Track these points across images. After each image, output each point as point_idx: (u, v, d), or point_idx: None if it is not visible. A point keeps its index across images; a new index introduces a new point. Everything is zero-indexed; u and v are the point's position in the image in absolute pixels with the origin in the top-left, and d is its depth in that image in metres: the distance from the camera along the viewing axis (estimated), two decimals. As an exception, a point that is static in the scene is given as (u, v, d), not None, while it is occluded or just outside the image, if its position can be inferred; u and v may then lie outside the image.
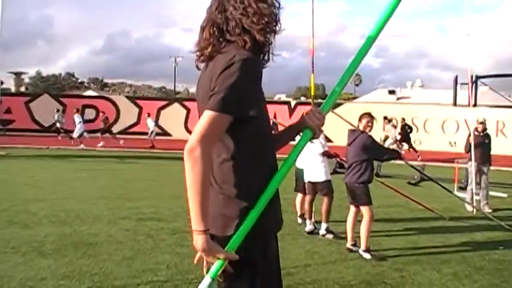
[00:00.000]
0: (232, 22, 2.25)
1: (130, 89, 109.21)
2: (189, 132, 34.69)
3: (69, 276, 5.47)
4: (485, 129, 11.19)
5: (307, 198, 8.17)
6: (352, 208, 7.06)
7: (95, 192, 11.24)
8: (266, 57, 2.35)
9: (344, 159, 7.71)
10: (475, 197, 10.68)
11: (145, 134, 31.00)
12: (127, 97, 39.89)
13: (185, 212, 8.85)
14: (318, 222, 8.03)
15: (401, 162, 7.55)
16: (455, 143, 30.87)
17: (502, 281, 5.82)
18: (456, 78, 34.94)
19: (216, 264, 2.13)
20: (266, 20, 2.23)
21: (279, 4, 2.31)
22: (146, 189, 12.29)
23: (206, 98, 2.15)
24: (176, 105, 36.27)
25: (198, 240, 2.08)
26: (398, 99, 57.23)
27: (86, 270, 5.68)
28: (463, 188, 12.32)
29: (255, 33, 2.23)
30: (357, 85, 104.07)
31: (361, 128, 7.03)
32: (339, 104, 33.95)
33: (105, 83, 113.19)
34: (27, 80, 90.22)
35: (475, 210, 10.23)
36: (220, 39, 2.28)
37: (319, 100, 36.40)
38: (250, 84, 2.16)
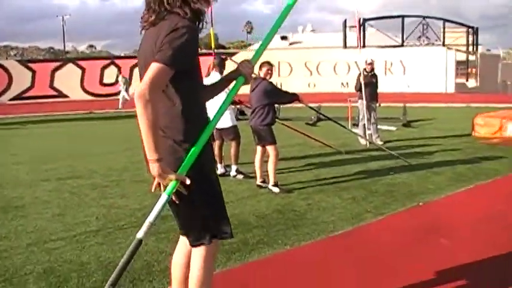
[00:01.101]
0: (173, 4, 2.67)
1: (17, 51, 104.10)
2: (86, 92, 34.53)
3: (7, 236, 5.64)
4: (372, 69, 12.14)
5: (216, 143, 8.70)
6: (259, 148, 7.71)
7: (9, 158, 11.28)
8: (201, 25, 2.78)
9: (248, 105, 8.32)
10: (367, 132, 11.71)
11: (39, 97, 30.48)
12: (18, 61, 38.33)
13: (100, 169, 9.22)
14: (228, 166, 8.63)
15: (300, 104, 8.21)
16: (347, 83, 32.35)
17: (393, 200, 6.71)
18: (345, 21, 36.37)
19: (171, 185, 2.58)
20: None
21: None
22: (57, 151, 12.40)
23: (151, 57, 2.56)
24: (70, 65, 35.35)
25: (154, 168, 2.53)
26: (290, 44, 58.34)
27: (20, 229, 5.89)
28: (356, 125, 13.31)
29: (193, 4, 2.67)
30: (249, 32, 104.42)
31: (261, 75, 7.63)
32: (234, 53, 34.43)
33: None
34: None
35: (368, 143, 11.21)
36: (162, 9, 2.67)
37: (219, 50, 36.76)
38: (190, 45, 2.58)
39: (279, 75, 30.21)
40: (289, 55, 34.83)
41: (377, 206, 6.45)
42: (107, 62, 36.52)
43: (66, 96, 34.05)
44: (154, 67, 2.49)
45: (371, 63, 12.12)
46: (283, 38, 60.11)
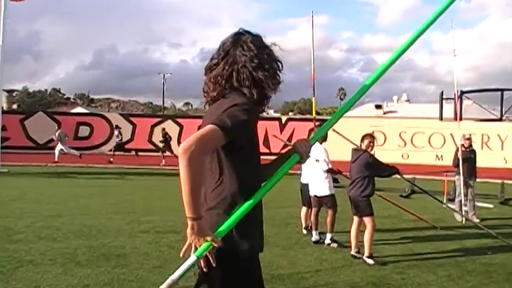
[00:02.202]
0: (242, 74, 2.67)
1: (118, 104, 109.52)
2: (183, 148, 35.69)
3: (109, 283, 6.08)
4: (471, 144, 12.03)
5: (313, 210, 8.92)
6: (356, 219, 7.84)
7: (108, 208, 11.90)
8: (262, 109, 2.83)
9: (346, 174, 8.51)
10: (463, 208, 11.51)
11: (138, 150, 31.90)
12: (120, 114, 40.42)
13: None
14: (322, 233, 8.76)
15: (397, 176, 8.30)
16: (441, 156, 31.76)
17: (491, 281, 6.60)
18: (442, 93, 35.93)
19: (203, 246, 2.48)
20: (278, 77, 2.77)
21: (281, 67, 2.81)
22: (155, 203, 13.01)
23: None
24: (169, 122, 36.86)
25: (194, 225, 2.44)
26: (385, 113, 58.27)
27: (122, 278, 6.31)
28: (451, 200, 13.09)
29: (266, 87, 2.71)
30: (342, 99, 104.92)
31: (363, 147, 7.84)
32: (325, 119, 34.62)
33: (92, 98, 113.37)
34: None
35: (464, 220, 11.02)
36: (227, 86, 2.70)
37: (319, 116, 37.33)
38: (248, 122, 2.56)
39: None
40: (384, 124, 34.72)
41: (474, 286, 6.38)
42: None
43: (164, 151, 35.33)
44: (207, 127, 2.43)
45: (469, 138, 12.04)
46: (378, 106, 60.18)
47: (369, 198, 7.68)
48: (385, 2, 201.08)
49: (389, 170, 8.04)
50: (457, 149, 11.82)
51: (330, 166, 8.77)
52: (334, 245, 8.43)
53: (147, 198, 14.25)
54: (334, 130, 10.53)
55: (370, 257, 7.42)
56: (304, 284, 6.17)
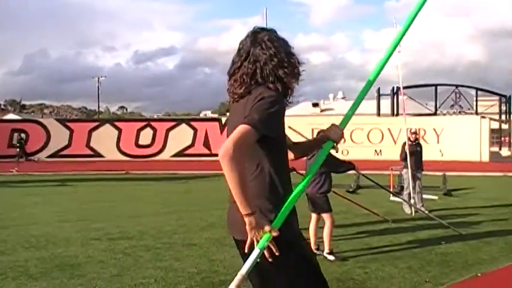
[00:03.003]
0: (265, 71, 2.80)
1: (51, 110, 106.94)
2: (122, 153, 35.30)
3: None
4: (417, 138, 12.31)
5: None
6: (314, 216, 7.84)
7: (54, 216, 11.50)
8: (289, 99, 2.93)
9: (302, 172, 8.50)
10: (411, 201, 11.75)
11: (75, 156, 31.39)
12: (57, 119, 39.52)
13: (151, 229, 9.39)
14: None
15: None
16: (380, 151, 32.47)
17: (451, 270, 6.74)
18: (379, 89, 36.75)
19: (264, 237, 2.58)
20: (295, 69, 2.86)
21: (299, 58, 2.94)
22: (102, 210, 12.70)
23: (239, 122, 2.64)
24: (107, 126, 36.29)
25: (250, 220, 2.55)
26: (322, 111, 59.02)
27: (81, 289, 6.13)
28: (397, 193, 13.36)
29: (288, 82, 2.83)
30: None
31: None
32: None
33: (23, 104, 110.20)
34: None
35: (413, 212, 11.24)
36: (253, 82, 2.81)
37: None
38: (276, 114, 2.68)
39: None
40: (322, 122, 35.09)
41: (435, 276, 6.48)
42: (143, 123, 37.44)
43: (101, 156, 34.81)
44: (240, 128, 2.56)
45: (415, 132, 12.32)
46: (315, 105, 60.89)
47: (327, 195, 7.70)
48: (316, 2, 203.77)
49: (346, 165, 8.08)
50: (404, 143, 12.06)
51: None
52: None
53: (92, 204, 13.93)
54: (290, 127, 10.56)
55: (330, 253, 7.44)
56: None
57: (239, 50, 2.91)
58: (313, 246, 7.71)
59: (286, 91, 2.87)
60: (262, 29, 2.94)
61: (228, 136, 2.73)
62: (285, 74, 2.80)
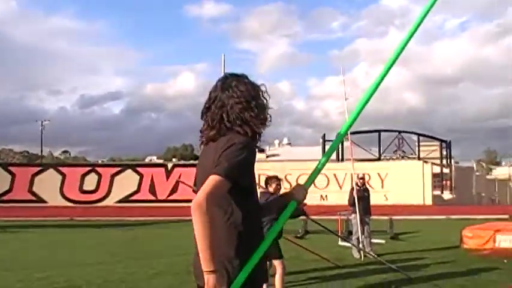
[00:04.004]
0: (232, 115, 2.78)
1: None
2: (65, 198, 34.48)
3: None
4: (364, 183, 12.50)
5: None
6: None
7: (-6, 264, 11.08)
8: (257, 143, 2.88)
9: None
10: (360, 245, 11.84)
11: (17, 201, 30.66)
12: (-1, 164, 38.53)
13: (96, 279, 9.14)
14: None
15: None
16: (326, 196, 32.78)
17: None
18: (324, 135, 37.37)
19: None
20: (264, 115, 2.84)
21: (268, 102, 2.91)
22: (45, 258, 12.30)
23: (210, 169, 2.60)
24: (51, 171, 35.53)
25: (210, 279, 2.46)
26: (267, 156, 59.33)
27: None
28: (346, 238, 13.44)
29: (254, 126, 2.79)
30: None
31: (271, 190, 7.85)
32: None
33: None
34: None
35: (362, 257, 11.32)
36: (222, 126, 2.78)
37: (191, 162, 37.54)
38: (246, 161, 2.63)
39: (259, 187, 30.49)
40: (268, 167, 35.32)
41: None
42: (87, 169, 36.82)
43: (44, 201, 33.95)
44: (211, 179, 2.53)
45: (362, 178, 12.51)
46: (261, 150, 61.18)
47: (278, 241, 7.66)
48: (262, 50, 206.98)
49: (297, 211, 8.09)
50: (352, 188, 12.21)
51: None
52: None
53: (35, 251, 13.52)
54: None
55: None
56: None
57: (209, 94, 2.93)
58: None
59: (254, 135, 2.84)
60: (232, 75, 2.94)
61: (197, 181, 2.78)
62: (250, 117, 2.79)
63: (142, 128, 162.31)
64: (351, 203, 12.13)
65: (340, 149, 37.18)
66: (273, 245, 7.53)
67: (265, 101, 2.91)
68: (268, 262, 7.78)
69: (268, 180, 7.96)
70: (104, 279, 9.43)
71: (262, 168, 30.26)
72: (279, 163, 40.78)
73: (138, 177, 35.85)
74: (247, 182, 2.71)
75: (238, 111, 2.79)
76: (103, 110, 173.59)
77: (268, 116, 2.91)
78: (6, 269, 10.58)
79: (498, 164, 75.79)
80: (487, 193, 43.65)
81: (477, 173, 44.05)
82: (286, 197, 2.99)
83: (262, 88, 2.93)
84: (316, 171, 3.04)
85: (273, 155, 60.86)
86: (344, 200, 12.41)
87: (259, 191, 8.07)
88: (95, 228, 20.91)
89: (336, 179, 34.15)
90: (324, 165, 3.06)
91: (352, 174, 12.54)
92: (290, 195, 2.96)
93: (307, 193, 2.97)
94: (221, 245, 2.61)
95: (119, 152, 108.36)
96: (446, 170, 39.82)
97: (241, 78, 2.91)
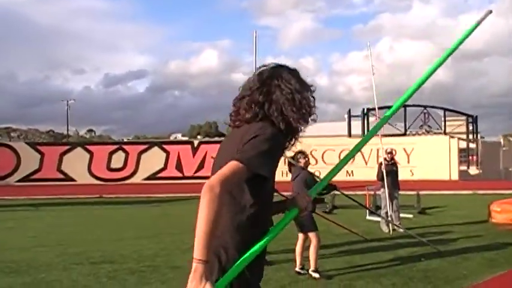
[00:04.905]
0: (274, 105, 2.65)
1: (18, 133, 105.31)
2: (93, 176, 34.98)
3: None
4: (392, 158, 12.57)
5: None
6: (301, 236, 7.98)
7: (31, 241, 11.43)
8: (293, 141, 2.79)
9: (284, 193, 8.65)
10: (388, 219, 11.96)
11: (46, 180, 31.14)
12: (27, 143, 39.05)
13: (133, 253, 9.36)
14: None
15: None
16: (352, 172, 32.75)
17: (433, 285, 6.93)
18: (349, 111, 37.23)
19: None
20: (304, 111, 2.69)
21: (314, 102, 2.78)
22: (79, 234, 12.63)
23: (231, 154, 2.48)
24: (79, 149, 36.04)
25: (199, 268, 2.21)
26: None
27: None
28: (373, 213, 13.55)
29: (292, 120, 2.65)
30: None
31: (301, 165, 8.04)
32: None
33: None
34: None
35: (391, 231, 11.44)
36: (260, 112, 2.66)
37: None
38: (272, 154, 2.51)
39: (285, 163, 30.61)
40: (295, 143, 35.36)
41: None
42: (114, 147, 37.25)
43: (73, 179, 34.49)
44: (232, 164, 2.40)
45: (391, 152, 12.59)
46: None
47: (311, 214, 7.84)
48: (284, 26, 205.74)
49: (328, 186, 8.25)
50: (381, 163, 12.30)
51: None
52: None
53: (68, 228, 13.84)
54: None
55: (316, 271, 7.58)
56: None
57: (255, 78, 2.78)
58: (298, 266, 7.83)
59: (290, 131, 2.72)
60: (284, 66, 2.84)
61: (215, 163, 2.67)
62: (292, 112, 2.66)
63: (166, 106, 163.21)
64: (380, 177, 12.22)
65: (366, 124, 37.12)
66: (308, 218, 7.72)
67: (311, 100, 2.79)
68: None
69: (296, 155, 8.14)
70: (139, 254, 9.70)
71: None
72: (305, 139, 40.76)
73: (164, 154, 36.13)
74: (266, 175, 2.53)
75: (281, 103, 2.67)
76: (127, 89, 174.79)
77: (314, 115, 2.80)
78: (42, 245, 10.90)
79: (526, 138, 74.83)
80: (515, 168, 43.23)
81: (504, 148, 43.55)
82: (289, 202, 2.82)
83: (312, 88, 2.82)
84: (329, 177, 2.88)
85: (298, 132, 60.89)
86: (370, 176, 12.54)
87: (292, 167, 8.24)
88: (125, 205, 21.23)
89: (362, 154, 34.11)
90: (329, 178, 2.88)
91: (378, 150, 12.56)
92: (292, 201, 2.80)
93: (311, 200, 2.79)
94: (222, 233, 2.47)
95: (143, 130, 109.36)
96: (472, 145, 39.52)
97: (293, 71, 2.81)
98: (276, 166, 2.63)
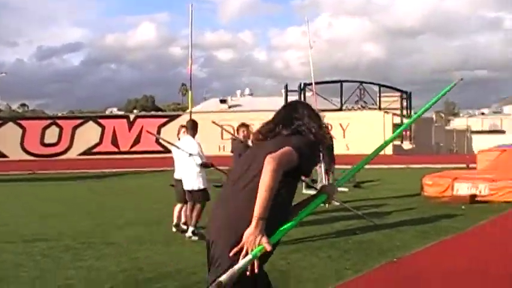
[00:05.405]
0: (304, 126, 3.25)
1: None
2: (26, 152, 34.01)
3: None
4: (328, 132, 12.68)
5: (188, 205, 8.88)
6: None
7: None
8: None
9: (221, 168, 8.61)
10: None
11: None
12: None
13: (67, 230, 9.16)
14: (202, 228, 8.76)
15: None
16: (289, 146, 32.99)
17: (368, 257, 7.07)
18: (286, 85, 37.46)
19: (258, 248, 2.70)
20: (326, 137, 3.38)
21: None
22: (11, 211, 12.31)
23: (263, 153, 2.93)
24: (10, 124, 34.96)
25: (259, 224, 2.71)
26: (230, 107, 59.21)
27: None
28: (310, 186, 13.68)
29: (319, 136, 3.26)
30: (184, 95, 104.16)
31: (240, 137, 7.99)
32: (177, 116, 34.95)
33: None
34: None
35: (327, 204, 11.57)
36: (293, 127, 3.24)
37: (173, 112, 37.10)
38: (314, 154, 3.19)
39: (222, 137, 30.54)
40: (231, 118, 35.32)
41: (354, 263, 6.77)
42: (48, 121, 36.31)
43: (5, 155, 33.47)
44: (287, 149, 2.93)
45: (327, 127, 12.65)
46: (222, 101, 60.87)
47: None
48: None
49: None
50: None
51: (204, 160, 8.78)
52: (195, 238, 8.44)
53: (2, 204, 13.42)
54: (214, 122, 10.60)
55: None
56: (195, 278, 6.12)
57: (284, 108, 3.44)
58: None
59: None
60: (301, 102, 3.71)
61: (240, 164, 3.20)
62: (315, 130, 3.27)
63: (103, 79, 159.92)
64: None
65: (303, 99, 37.37)
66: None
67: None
68: None
69: (238, 128, 8.11)
70: (74, 230, 9.51)
71: (224, 119, 30.30)
72: (241, 113, 40.79)
73: (100, 129, 35.53)
74: (305, 169, 3.15)
75: (311, 128, 3.26)
76: (62, 62, 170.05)
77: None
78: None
79: (456, 115, 77.23)
80: (446, 143, 44.59)
81: (436, 124, 44.96)
82: (318, 191, 3.34)
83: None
84: (356, 169, 3.65)
85: (235, 106, 60.70)
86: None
87: (231, 138, 8.21)
88: (59, 182, 20.77)
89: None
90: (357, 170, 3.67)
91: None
92: (321, 190, 3.33)
93: (337, 190, 3.36)
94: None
95: (78, 104, 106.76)
96: (406, 120, 40.51)
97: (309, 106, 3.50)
98: (312, 165, 3.32)
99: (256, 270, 2.73)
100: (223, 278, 2.65)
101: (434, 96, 3.73)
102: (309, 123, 3.26)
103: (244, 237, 2.74)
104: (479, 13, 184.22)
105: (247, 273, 2.73)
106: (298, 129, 3.24)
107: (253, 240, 2.72)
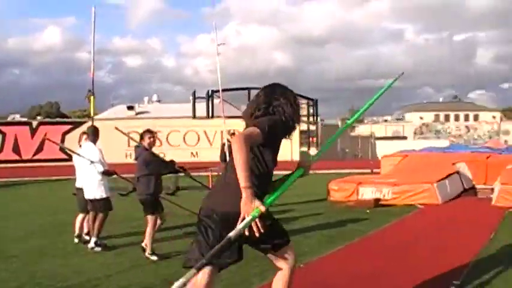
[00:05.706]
0: (277, 108, 3.83)
1: None
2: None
3: None
4: (235, 139, 12.64)
5: (90, 215, 8.50)
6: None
7: None
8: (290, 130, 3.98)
9: (124, 176, 8.31)
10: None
11: None
12: None
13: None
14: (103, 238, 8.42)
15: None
16: (196, 153, 32.90)
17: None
18: (194, 92, 37.23)
19: (255, 211, 3.29)
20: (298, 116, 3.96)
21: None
22: None
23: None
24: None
25: (248, 192, 3.30)
26: (137, 114, 58.16)
27: None
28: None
29: (291, 122, 3.90)
30: (90, 101, 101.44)
31: (144, 144, 7.71)
32: (83, 122, 33.97)
33: None
34: None
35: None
36: (270, 110, 3.85)
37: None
38: (273, 133, 3.63)
39: (128, 145, 29.91)
40: (138, 124, 34.65)
41: (262, 270, 6.63)
42: None
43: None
44: (251, 128, 3.57)
45: (234, 134, 12.62)
46: (130, 107, 59.64)
47: (153, 197, 7.59)
48: (132, 4, 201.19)
49: (171, 167, 8.05)
50: (223, 144, 12.30)
51: (106, 167, 8.43)
52: (98, 249, 8.13)
53: None
54: (117, 129, 10.22)
55: (153, 253, 7.42)
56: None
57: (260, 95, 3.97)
58: (148, 251, 7.53)
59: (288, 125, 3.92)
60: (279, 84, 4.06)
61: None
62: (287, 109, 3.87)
63: (4, 85, 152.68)
64: (222, 158, 12.25)
65: (210, 106, 37.24)
66: (148, 201, 7.49)
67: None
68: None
69: (143, 134, 7.83)
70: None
71: (132, 126, 29.71)
72: (149, 120, 40.15)
73: (0, 136, 33.93)
74: (272, 144, 3.74)
75: (282, 108, 3.87)
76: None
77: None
78: None
79: (361, 122, 79.60)
80: (351, 149, 45.76)
81: (341, 130, 45.96)
82: (296, 167, 3.94)
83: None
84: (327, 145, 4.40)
85: (143, 112, 59.70)
86: (215, 157, 12.49)
87: (135, 145, 7.91)
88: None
89: (207, 135, 34.34)
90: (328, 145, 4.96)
91: (222, 132, 12.59)
92: (298, 164, 3.95)
93: (311, 164, 3.97)
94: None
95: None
96: (313, 127, 41.26)
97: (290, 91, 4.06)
98: (279, 141, 3.85)
99: (262, 230, 3.37)
100: (231, 234, 3.25)
101: (370, 98, 4.34)
102: (284, 104, 3.82)
103: (241, 208, 3.33)
104: (383, 25, 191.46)
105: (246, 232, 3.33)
106: (273, 110, 3.80)
107: (249, 207, 3.31)
